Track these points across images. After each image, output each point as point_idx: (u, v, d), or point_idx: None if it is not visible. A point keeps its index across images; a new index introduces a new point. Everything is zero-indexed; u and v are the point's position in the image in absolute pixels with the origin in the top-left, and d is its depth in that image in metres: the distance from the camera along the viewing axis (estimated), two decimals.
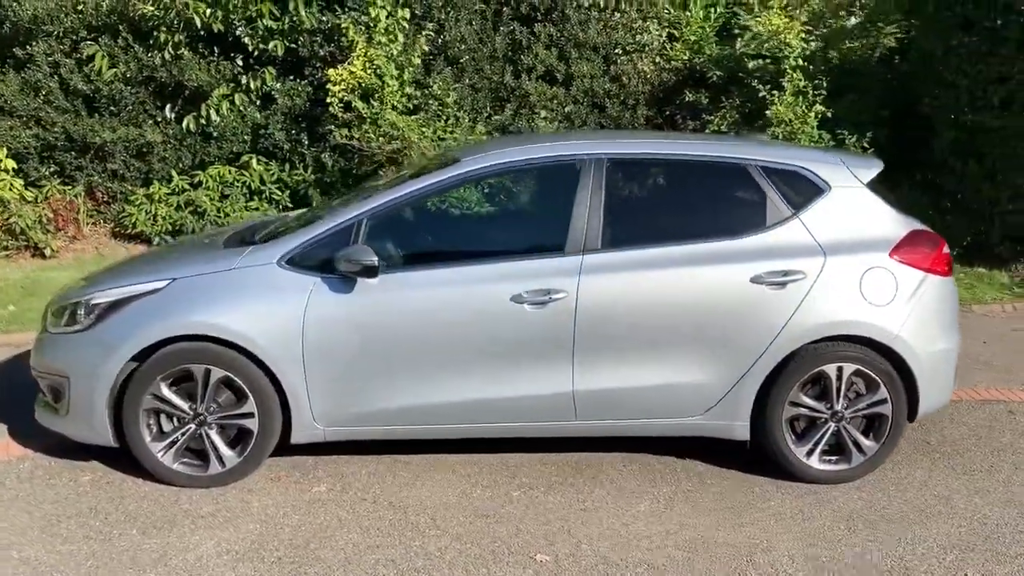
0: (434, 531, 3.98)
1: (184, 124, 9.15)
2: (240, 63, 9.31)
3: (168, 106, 9.26)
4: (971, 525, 4.07)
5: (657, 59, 9.96)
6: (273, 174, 9.39)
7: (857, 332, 4.32)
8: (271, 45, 9.06)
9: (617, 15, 9.88)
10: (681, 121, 9.81)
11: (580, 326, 4.25)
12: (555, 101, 9.60)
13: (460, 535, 3.94)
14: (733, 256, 4.31)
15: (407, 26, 8.99)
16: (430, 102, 9.23)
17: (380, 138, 8.76)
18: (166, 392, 4.23)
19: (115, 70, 9.03)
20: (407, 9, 8.97)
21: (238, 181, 9.31)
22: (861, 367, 4.35)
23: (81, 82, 9.05)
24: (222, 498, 4.24)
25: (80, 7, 9.12)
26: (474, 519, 4.09)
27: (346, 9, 9.02)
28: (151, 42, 9.05)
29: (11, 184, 8.70)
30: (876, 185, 4.53)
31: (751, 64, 9.31)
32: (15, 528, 3.96)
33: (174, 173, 9.25)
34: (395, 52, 8.88)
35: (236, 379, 4.22)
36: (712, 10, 10.47)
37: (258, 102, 9.41)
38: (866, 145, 8.69)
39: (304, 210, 5.99)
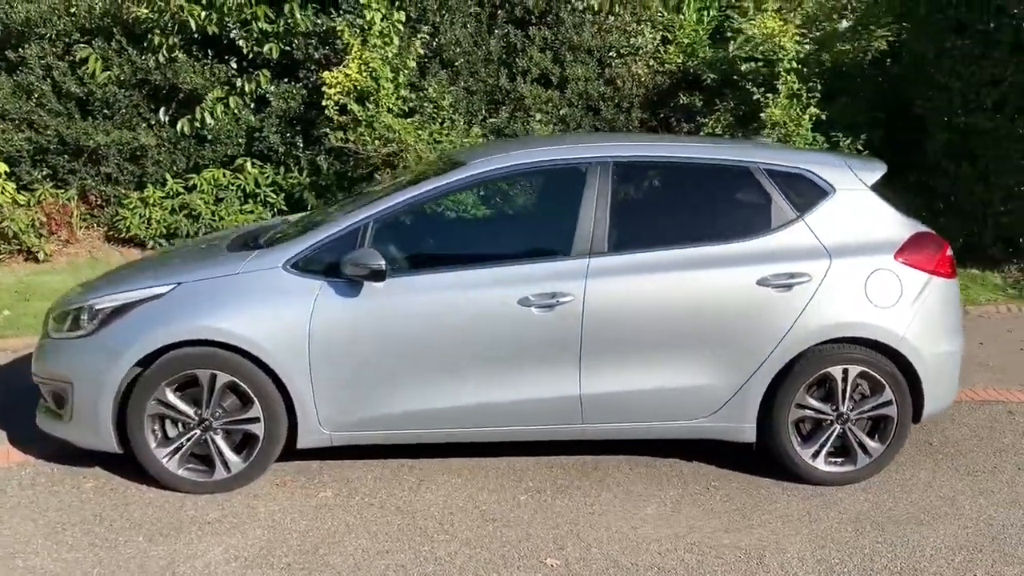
0: (443, 536, 3.96)
1: (178, 127, 9.09)
2: (234, 66, 9.26)
3: (162, 109, 9.20)
4: (977, 526, 4.09)
5: (651, 62, 9.97)
6: (268, 177, 9.34)
7: (863, 334, 4.33)
8: (266, 48, 9.02)
9: (611, 18, 9.89)
10: (675, 124, 9.83)
11: (587, 329, 4.24)
12: (550, 104, 9.60)
13: (469, 539, 3.93)
14: (739, 259, 4.32)
15: (402, 29, 8.97)
16: (425, 105, 9.21)
17: (376, 141, 8.73)
18: (171, 397, 4.20)
19: (109, 73, 8.96)
20: (402, 12, 8.96)
21: (233, 184, 9.25)
22: (866, 369, 4.36)
23: (74, 85, 8.98)
24: (228, 504, 4.21)
25: (73, 10, 9.05)
26: (482, 523, 4.07)
27: (341, 12, 8.99)
28: (145, 45, 8.99)
29: (3, 188, 8.61)
30: (880, 187, 4.55)
31: (744, 67, 9.34)
32: (19, 536, 3.92)
33: (168, 176, 9.19)
34: (390, 55, 8.86)
35: (242, 384, 4.20)
36: (705, 13, 10.52)
37: (252, 105, 9.36)
38: (860, 147, 8.72)
39: (305, 213, 5.95)
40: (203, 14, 8.73)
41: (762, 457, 4.54)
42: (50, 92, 8.99)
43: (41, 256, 8.70)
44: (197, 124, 9.09)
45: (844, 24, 9.91)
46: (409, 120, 8.99)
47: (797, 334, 4.29)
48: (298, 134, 9.28)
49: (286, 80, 9.34)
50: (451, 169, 4.47)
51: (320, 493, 4.34)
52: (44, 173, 9.11)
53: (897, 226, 4.49)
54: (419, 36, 9.09)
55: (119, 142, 9.01)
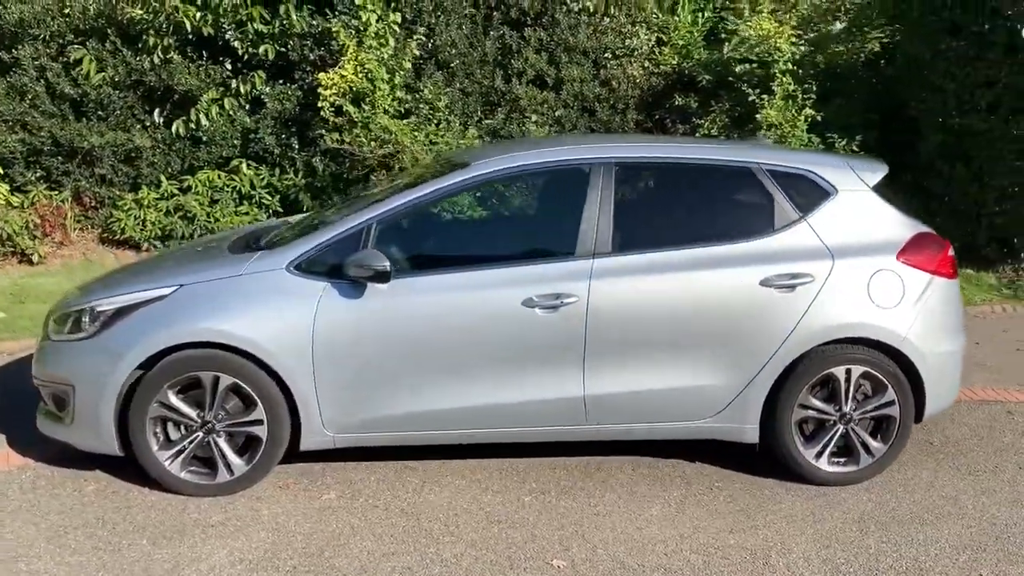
0: (448, 537, 3.95)
1: (173, 128, 9.06)
2: (229, 67, 9.23)
3: (157, 110, 9.16)
4: (981, 525, 4.10)
5: (646, 63, 9.98)
6: (263, 179, 9.31)
7: (865, 334, 4.34)
8: (261, 49, 8.99)
9: (606, 20, 9.89)
10: (671, 125, 9.84)
11: (591, 330, 4.24)
12: (545, 105, 9.60)
13: (475, 541, 3.92)
14: (742, 259, 4.33)
15: (398, 30, 8.96)
16: (421, 106, 9.20)
17: (372, 142, 8.71)
18: (174, 400, 4.18)
19: (103, 74, 8.92)
20: (398, 13, 8.95)
21: (228, 186, 9.22)
22: (869, 369, 4.37)
23: (68, 86, 8.94)
24: (231, 507, 4.19)
25: (67, 11, 9.01)
26: (487, 525, 4.07)
27: (336, 13, 8.97)
28: (140, 46, 8.95)
29: None
30: (881, 188, 4.57)
31: (738, 68, 9.36)
32: (21, 540, 3.90)
33: (163, 178, 9.15)
34: (386, 56, 8.85)
35: (245, 386, 4.18)
36: (700, 15, 10.54)
37: (247, 106, 9.34)
38: (855, 148, 8.75)
39: (306, 215, 5.93)
40: (198, 15, 8.70)
41: (765, 458, 4.55)
42: (44, 93, 8.95)
43: (35, 258, 8.66)
44: (192, 125, 9.07)
45: (838, 26, 9.94)
46: (405, 121, 8.98)
47: (800, 335, 4.30)
48: (293, 135, 9.25)
49: (281, 81, 9.31)
50: (454, 170, 4.46)
51: (323, 495, 4.32)
52: (38, 175, 9.08)
53: (899, 226, 4.50)
54: (415, 37, 9.08)
55: (113, 143, 8.97)
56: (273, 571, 3.67)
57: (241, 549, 3.83)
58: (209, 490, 4.26)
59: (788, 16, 9.31)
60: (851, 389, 4.38)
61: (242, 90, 9.15)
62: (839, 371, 4.36)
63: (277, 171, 9.36)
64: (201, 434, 4.23)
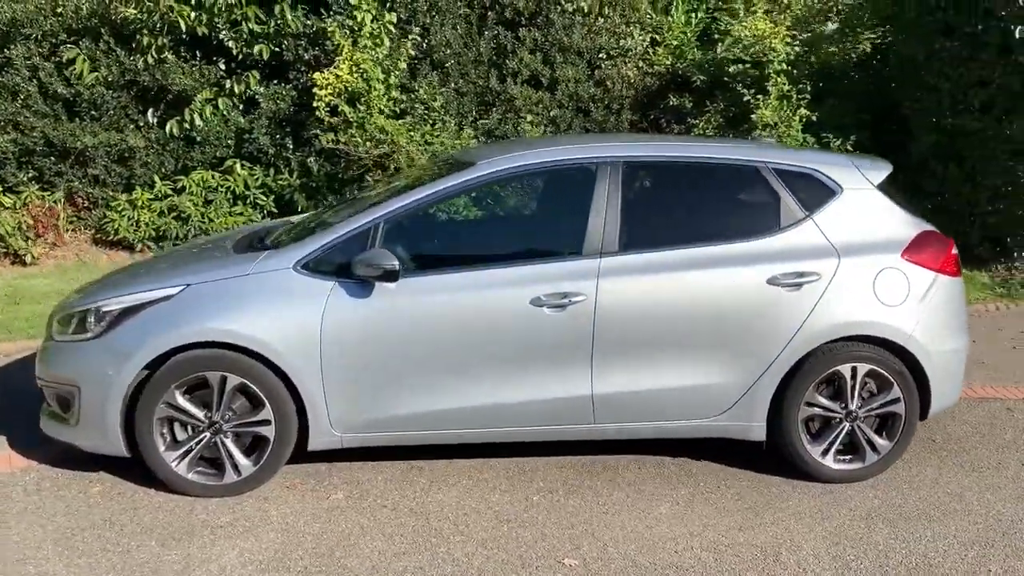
0: (458, 537, 3.94)
1: (167, 129, 9.02)
2: (223, 67, 9.20)
3: (150, 110, 9.12)
4: (987, 522, 4.13)
5: (640, 64, 10.01)
6: (257, 179, 9.28)
7: (871, 332, 4.36)
8: (256, 49, 8.97)
9: (601, 20, 9.92)
10: (666, 125, 9.87)
11: (599, 329, 4.24)
12: (540, 105, 9.61)
13: (485, 540, 3.92)
14: (749, 258, 4.34)
15: (393, 30, 8.95)
16: (416, 106, 9.19)
17: (367, 142, 8.70)
18: (181, 400, 4.15)
19: (96, 74, 8.87)
20: (393, 13, 8.93)
21: (222, 186, 9.19)
22: (875, 367, 4.39)
23: (61, 86, 8.88)
24: (239, 507, 4.17)
25: (60, 10, 8.96)
26: (497, 524, 4.06)
27: (331, 13, 8.95)
28: (133, 45, 8.91)
29: None
30: (886, 187, 4.59)
31: (731, 68, 9.39)
32: (29, 542, 3.86)
33: (157, 178, 9.12)
34: (381, 56, 8.83)
35: (252, 386, 4.16)
36: (693, 15, 10.57)
37: (241, 106, 9.31)
38: (850, 148, 8.80)
39: (308, 214, 5.91)
40: (192, 15, 8.66)
41: (770, 455, 4.56)
42: (36, 93, 8.90)
43: (28, 259, 8.60)
44: (186, 125, 9.04)
45: (831, 27, 10.00)
46: (401, 121, 8.97)
47: (807, 333, 4.31)
48: (288, 135, 9.23)
49: (276, 81, 9.30)
50: (460, 170, 4.45)
51: (331, 496, 4.30)
52: (30, 175, 9.01)
53: (903, 225, 4.53)
54: (410, 37, 9.07)
55: (107, 144, 8.93)
56: (284, 572, 3.66)
57: (251, 550, 3.81)
58: (216, 491, 4.24)
59: (783, 17, 9.36)
60: (857, 387, 4.40)
61: (236, 90, 9.13)
62: (845, 369, 4.38)
63: (271, 171, 9.34)
64: (208, 434, 4.20)
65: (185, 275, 4.32)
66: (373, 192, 5.19)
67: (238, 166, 9.24)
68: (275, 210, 9.30)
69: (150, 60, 8.85)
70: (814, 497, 4.35)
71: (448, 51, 9.47)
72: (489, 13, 9.74)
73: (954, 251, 4.59)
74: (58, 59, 8.94)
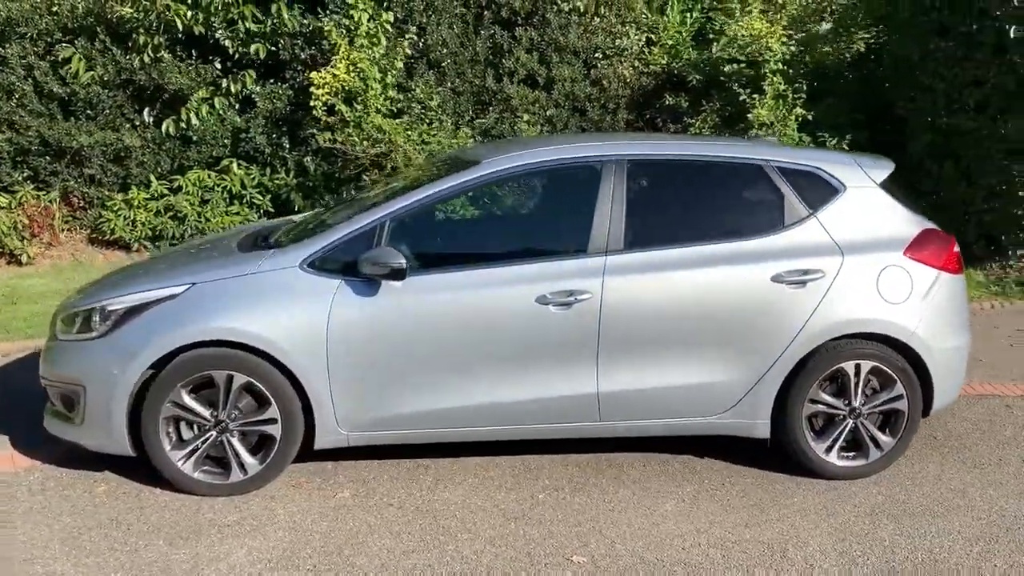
0: (466, 535, 3.95)
1: (163, 128, 9.00)
2: (219, 66, 9.18)
3: (147, 110, 9.11)
4: (990, 517, 4.15)
5: (636, 63, 10.04)
6: (254, 178, 9.27)
7: (875, 330, 4.39)
8: (252, 48, 8.95)
9: (597, 19, 9.94)
10: (662, 125, 9.90)
11: (605, 327, 4.26)
12: (537, 105, 9.63)
13: (493, 538, 3.92)
14: (753, 256, 4.36)
15: (390, 29, 8.95)
16: (413, 105, 9.19)
17: (364, 142, 8.70)
18: (187, 399, 4.14)
19: (92, 73, 8.84)
20: (390, 12, 8.93)
21: (218, 186, 9.18)
22: (878, 364, 4.41)
23: (56, 85, 8.85)
24: (245, 506, 4.17)
25: (55, 9, 8.92)
26: (504, 522, 4.07)
27: (328, 12, 8.94)
28: (129, 44, 8.88)
29: None
30: (888, 184, 4.62)
31: (726, 68, 9.43)
32: (36, 542, 3.85)
33: (153, 178, 9.10)
34: (378, 55, 8.83)
35: (259, 385, 4.15)
36: (688, 15, 10.60)
37: (237, 106, 9.29)
38: (846, 147, 8.84)
39: (310, 213, 5.91)
40: (189, 14, 8.64)
41: (774, 452, 4.58)
42: (31, 92, 8.87)
43: (24, 259, 8.56)
44: (182, 125, 9.02)
45: (825, 27, 10.04)
46: (398, 121, 8.97)
47: (811, 330, 4.33)
48: (284, 135, 9.22)
49: (272, 80, 9.28)
50: (465, 168, 4.45)
51: (338, 494, 4.30)
52: (25, 175, 8.97)
53: (906, 223, 4.55)
54: (407, 37, 9.07)
55: (103, 143, 8.90)
56: (294, 570, 3.65)
57: (259, 548, 3.80)
58: (222, 490, 4.24)
59: (779, 16, 9.39)
60: (860, 384, 4.43)
61: (232, 89, 9.11)
62: (849, 366, 4.40)
63: (268, 171, 9.34)
64: (214, 433, 4.20)
65: (190, 274, 4.31)
66: (376, 191, 5.18)
67: (234, 165, 9.23)
68: (272, 209, 9.29)
69: (146, 59, 8.84)
70: (818, 494, 4.37)
71: (444, 50, 9.47)
72: (485, 12, 9.75)
73: (956, 249, 4.63)
74: (54, 58, 8.91)
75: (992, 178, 8.50)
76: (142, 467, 4.32)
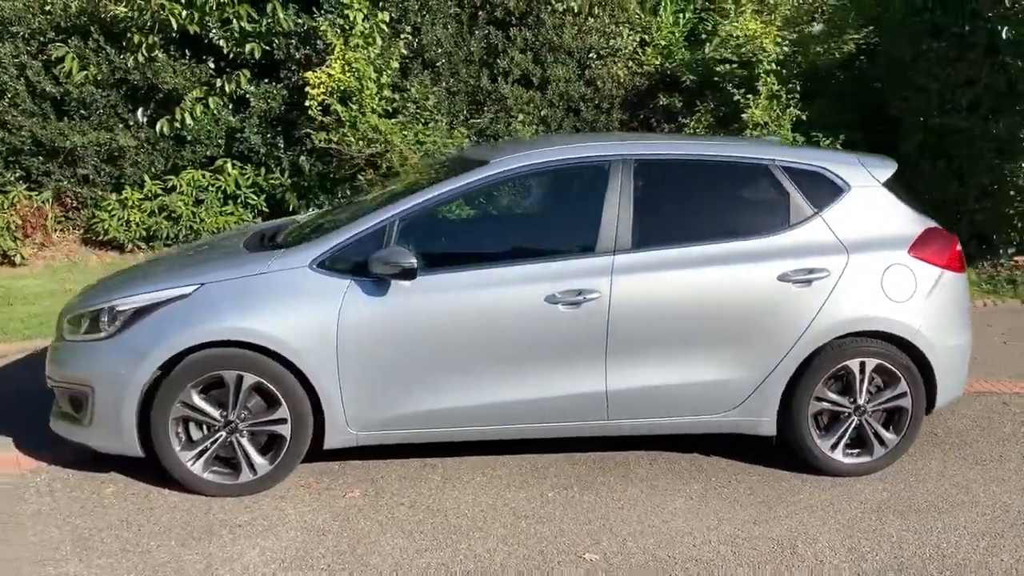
0: (478, 534, 3.96)
1: (157, 128, 8.96)
2: (212, 66, 9.15)
3: (140, 109, 9.06)
4: (995, 513, 4.20)
5: (630, 63, 10.07)
6: (248, 178, 9.24)
7: (880, 328, 4.43)
8: (247, 48, 8.92)
9: (591, 20, 9.97)
10: (656, 125, 9.94)
11: (613, 326, 4.28)
12: (531, 105, 9.64)
13: (505, 537, 3.94)
14: (760, 255, 4.39)
15: (385, 29, 8.94)
16: (408, 105, 9.19)
17: (359, 141, 8.69)
18: (197, 400, 4.14)
19: (86, 72, 8.79)
20: (386, 12, 8.92)
21: (213, 186, 9.14)
22: (883, 362, 4.45)
23: (49, 84, 8.79)
24: (255, 506, 4.16)
25: (48, 8, 8.86)
26: (515, 520, 4.08)
27: (323, 12, 8.92)
28: (123, 44, 8.83)
29: None
30: (891, 184, 4.66)
31: (719, 68, 9.47)
32: (46, 543, 3.83)
33: (147, 178, 9.05)
34: (373, 55, 8.82)
35: (268, 385, 4.15)
36: (681, 15, 10.65)
37: (231, 106, 9.26)
38: (839, 147, 8.89)
39: (314, 213, 5.91)
40: (184, 13, 8.60)
41: (779, 450, 4.62)
42: (24, 92, 8.81)
43: (18, 260, 8.51)
44: (176, 125, 8.98)
45: (817, 28, 10.09)
46: (393, 121, 8.96)
47: (817, 328, 4.37)
48: (279, 135, 9.20)
49: (266, 80, 9.25)
50: (473, 168, 4.46)
51: (348, 494, 4.30)
52: (17, 175, 8.91)
53: (909, 222, 4.60)
54: (402, 37, 9.07)
55: (96, 143, 8.86)
56: (308, 570, 3.66)
57: (272, 548, 3.80)
58: (232, 490, 4.23)
59: (772, 17, 9.45)
60: (865, 382, 4.47)
61: (227, 89, 9.08)
62: (854, 364, 4.44)
63: (263, 171, 9.31)
64: (224, 434, 4.19)
65: (199, 274, 4.30)
66: (383, 191, 5.18)
67: (229, 165, 9.20)
68: (266, 210, 9.27)
69: (140, 59, 8.79)
70: (824, 490, 4.41)
71: (439, 50, 9.47)
72: (480, 12, 9.76)
73: (958, 247, 4.68)
74: (47, 57, 8.85)
75: (984, 177, 8.58)
76: (149, 468, 4.31)
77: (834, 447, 4.51)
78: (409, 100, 9.21)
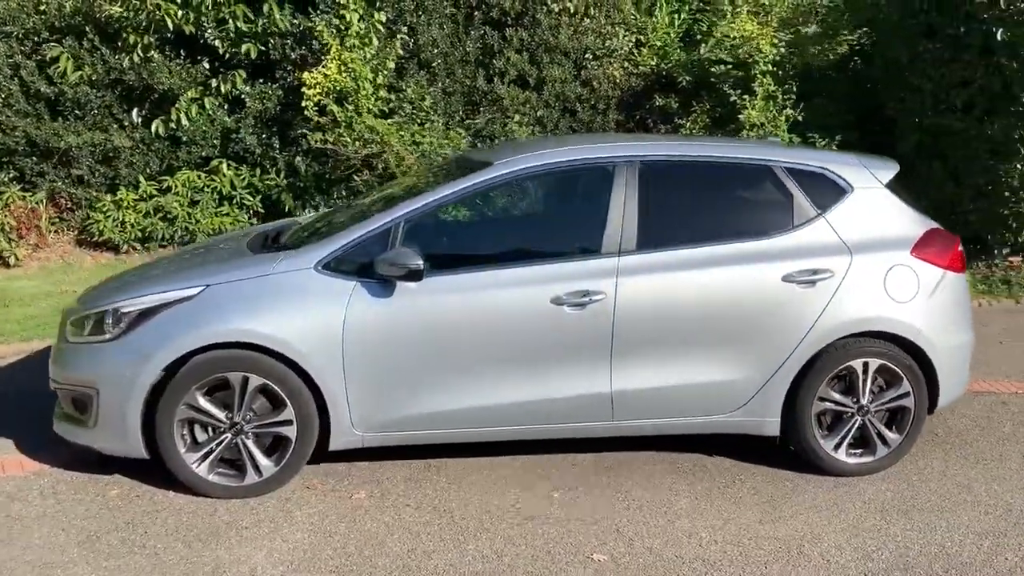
0: (485, 535, 3.96)
1: (152, 128, 8.93)
2: (207, 66, 9.12)
3: (135, 110, 9.03)
4: (997, 512, 4.23)
5: (626, 64, 10.08)
6: (244, 179, 9.22)
7: (883, 328, 4.45)
8: (243, 48, 8.89)
9: (586, 20, 9.98)
10: (652, 125, 9.95)
11: (618, 327, 4.29)
12: (527, 105, 9.64)
13: (512, 537, 3.94)
14: (764, 256, 4.41)
15: (381, 29, 8.93)
16: (404, 105, 9.18)
17: (355, 142, 8.68)
18: (202, 402, 4.13)
19: (80, 72, 8.75)
20: (382, 12, 8.91)
21: (208, 187, 9.11)
22: (886, 362, 4.47)
23: (44, 85, 8.75)
24: (261, 508, 4.16)
25: (43, 7, 8.82)
26: (521, 521, 4.09)
27: (318, 12, 8.91)
28: (118, 44, 8.80)
29: None
30: (893, 185, 4.69)
31: (715, 69, 9.50)
32: (52, 546, 3.82)
33: (142, 179, 9.02)
34: (369, 55, 8.81)
35: (274, 386, 4.15)
36: (676, 16, 10.67)
37: (227, 106, 9.23)
38: (835, 148, 8.92)
39: (317, 214, 5.90)
40: (179, 13, 8.57)
41: (782, 450, 4.64)
42: (18, 92, 8.77)
43: (12, 261, 8.46)
44: (172, 125, 8.94)
45: (812, 29, 10.13)
46: (389, 121, 8.95)
47: (820, 329, 4.39)
48: (275, 135, 9.18)
49: (262, 81, 9.22)
50: (477, 170, 4.46)
51: (353, 495, 4.30)
52: (11, 176, 8.86)
53: (912, 223, 4.63)
54: (398, 37, 9.06)
55: (91, 143, 8.82)
56: (316, 572, 3.65)
57: (280, 550, 3.80)
58: (238, 492, 4.22)
59: (769, 18, 9.48)
60: (868, 382, 4.49)
61: (222, 89, 9.06)
62: (857, 364, 4.46)
63: (258, 171, 9.28)
64: (229, 435, 4.18)
65: (204, 276, 4.29)
66: (383, 193, 5.18)
67: (224, 166, 9.17)
68: (262, 210, 9.25)
69: (135, 59, 8.76)
70: (828, 490, 4.43)
71: (435, 51, 9.47)
72: (475, 13, 9.76)
73: (960, 248, 4.71)
74: (41, 57, 8.80)
75: (979, 178, 8.60)
76: (153, 470, 4.30)
77: (837, 447, 4.53)
78: (405, 100, 9.20)
